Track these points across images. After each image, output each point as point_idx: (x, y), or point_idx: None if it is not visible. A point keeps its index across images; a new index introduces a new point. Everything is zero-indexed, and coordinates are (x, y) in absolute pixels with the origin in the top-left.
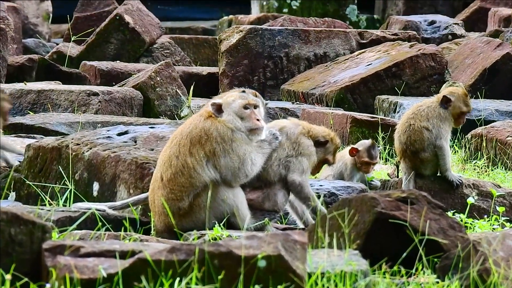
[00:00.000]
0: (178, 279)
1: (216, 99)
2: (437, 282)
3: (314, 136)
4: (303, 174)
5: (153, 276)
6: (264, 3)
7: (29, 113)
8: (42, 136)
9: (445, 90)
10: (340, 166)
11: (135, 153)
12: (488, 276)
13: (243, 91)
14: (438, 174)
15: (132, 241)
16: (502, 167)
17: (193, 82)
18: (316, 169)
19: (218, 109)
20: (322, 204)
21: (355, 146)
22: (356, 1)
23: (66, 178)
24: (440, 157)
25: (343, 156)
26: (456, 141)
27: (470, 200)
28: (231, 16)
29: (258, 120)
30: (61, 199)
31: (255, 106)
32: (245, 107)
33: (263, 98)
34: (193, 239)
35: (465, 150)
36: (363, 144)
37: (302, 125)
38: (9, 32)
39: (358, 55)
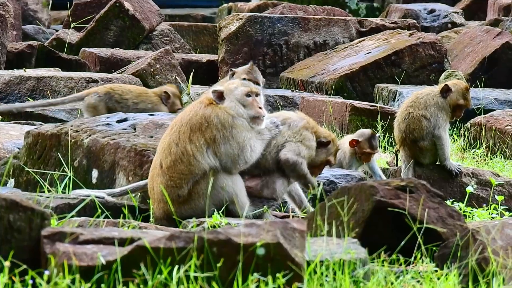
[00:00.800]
0: (176, 266)
1: (217, 86)
2: (436, 271)
3: (317, 135)
4: (299, 157)
5: (152, 263)
6: None
7: (28, 99)
8: (42, 123)
9: (449, 82)
10: (339, 155)
11: (134, 140)
12: (486, 265)
13: (244, 79)
14: (437, 163)
15: (131, 228)
16: (501, 156)
17: (193, 69)
18: (318, 170)
19: (219, 96)
20: (321, 193)
21: (355, 137)
22: None
23: (65, 165)
24: (438, 146)
25: (342, 145)
26: (455, 129)
27: (469, 189)
28: (230, 4)
29: (260, 108)
30: (60, 186)
31: (257, 94)
32: (248, 95)
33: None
34: (192, 227)
35: (464, 139)
36: (362, 134)
37: (307, 119)
38: (9, 18)
39: (357, 43)
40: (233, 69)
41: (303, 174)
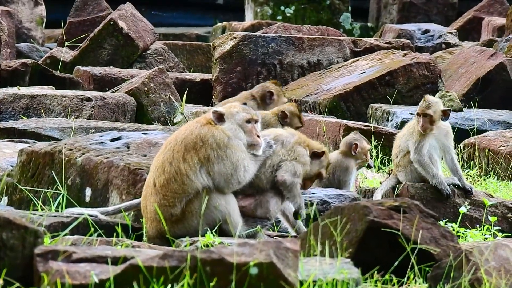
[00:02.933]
0: (170, 285)
1: (218, 108)
2: None
3: (310, 148)
4: (295, 177)
5: (145, 282)
6: (258, 10)
7: (22, 117)
8: (35, 141)
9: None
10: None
11: (128, 159)
12: (479, 286)
13: (245, 104)
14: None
15: (124, 247)
16: (495, 177)
17: (187, 88)
18: (310, 182)
19: (219, 117)
20: (314, 213)
21: (347, 146)
22: (350, 9)
23: (58, 183)
24: (419, 170)
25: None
26: None
27: (462, 210)
28: (225, 23)
29: (258, 136)
30: (53, 204)
31: (256, 121)
32: (248, 121)
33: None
34: (185, 246)
35: (457, 160)
36: (354, 138)
37: (299, 135)
38: (3, 36)
39: (351, 63)
40: (284, 111)
41: (296, 195)
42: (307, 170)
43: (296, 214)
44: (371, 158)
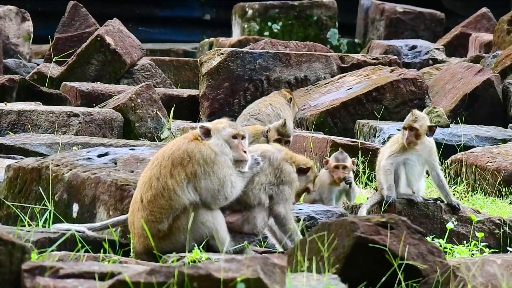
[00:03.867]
0: None
1: (205, 123)
2: None
3: (296, 163)
4: (287, 204)
5: None
6: (245, 25)
7: (9, 133)
8: (22, 157)
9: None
10: (320, 190)
11: (115, 175)
12: None
13: (232, 120)
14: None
15: (111, 262)
16: (482, 193)
17: (174, 104)
18: (298, 197)
19: (206, 133)
20: (302, 229)
21: (324, 160)
22: (337, 25)
23: (46, 199)
24: (378, 176)
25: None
26: None
27: (450, 226)
28: (212, 39)
29: (245, 152)
30: (40, 220)
31: (243, 137)
32: (234, 137)
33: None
34: (172, 262)
35: (444, 175)
36: (334, 154)
37: (285, 151)
38: None
39: (338, 79)
40: (268, 125)
41: (290, 229)
42: (297, 187)
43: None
44: (357, 174)
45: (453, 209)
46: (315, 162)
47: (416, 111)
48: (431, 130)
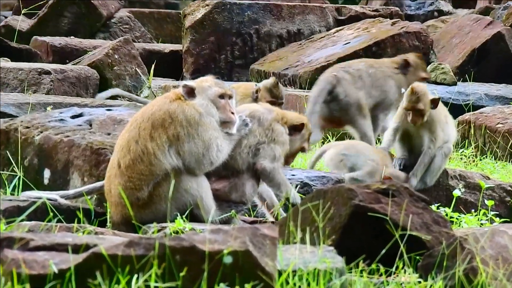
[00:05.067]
0: (136, 275)
1: (189, 82)
2: (419, 282)
3: (289, 122)
4: (275, 161)
5: (109, 272)
6: None
7: None
8: None
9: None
10: None
11: (90, 138)
12: (475, 276)
13: (217, 78)
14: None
15: (86, 234)
16: (492, 157)
17: (154, 60)
18: (292, 158)
19: (190, 92)
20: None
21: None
22: None
23: (14, 164)
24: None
25: None
26: None
27: (456, 193)
28: None
29: (232, 113)
30: (8, 187)
31: (230, 97)
32: (221, 96)
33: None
34: (153, 233)
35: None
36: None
37: (276, 111)
38: None
39: (335, 32)
40: (257, 84)
41: (279, 183)
42: (287, 150)
43: (289, 202)
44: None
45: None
46: (311, 134)
47: (416, 88)
48: (434, 103)
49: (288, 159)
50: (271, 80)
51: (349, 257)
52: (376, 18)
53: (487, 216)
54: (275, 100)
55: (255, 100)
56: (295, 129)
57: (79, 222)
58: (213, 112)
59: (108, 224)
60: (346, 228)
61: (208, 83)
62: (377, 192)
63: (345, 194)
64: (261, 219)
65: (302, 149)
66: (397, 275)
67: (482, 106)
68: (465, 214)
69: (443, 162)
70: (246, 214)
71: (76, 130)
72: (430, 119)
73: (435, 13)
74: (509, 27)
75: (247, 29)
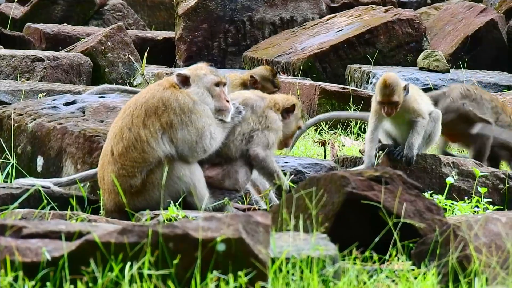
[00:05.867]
0: (129, 263)
1: (182, 70)
2: (413, 270)
3: (281, 107)
4: (268, 149)
5: (102, 259)
6: None
7: None
8: None
9: None
10: None
11: (83, 125)
12: (468, 264)
13: (211, 65)
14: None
15: (79, 221)
16: None
17: (147, 47)
18: (291, 139)
19: (184, 81)
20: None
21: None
22: None
23: (7, 151)
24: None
25: None
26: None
27: (450, 180)
28: None
29: (227, 101)
30: (2, 175)
31: (224, 84)
32: (217, 84)
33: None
34: (146, 220)
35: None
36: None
37: (268, 98)
38: None
39: (328, 20)
40: (253, 76)
41: (271, 171)
42: (280, 136)
43: (280, 190)
44: (349, 125)
45: (407, 163)
46: (303, 111)
47: (387, 79)
48: (406, 89)
49: (287, 140)
50: (266, 70)
51: (342, 244)
52: (369, 5)
53: (480, 204)
54: (276, 90)
55: (253, 87)
56: (288, 111)
57: (72, 209)
58: (208, 101)
59: (101, 211)
60: (339, 216)
61: (203, 71)
62: (370, 180)
63: (338, 182)
64: (254, 206)
65: (299, 128)
66: (390, 263)
67: None
68: (458, 202)
69: (436, 128)
70: (239, 202)
71: (69, 118)
72: (405, 102)
73: (428, 0)
74: (502, 14)
75: (240, 16)
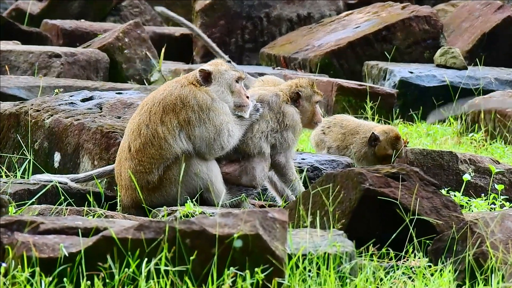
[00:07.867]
0: (146, 259)
1: (205, 66)
2: (429, 266)
3: (291, 95)
4: (289, 151)
5: (119, 255)
6: None
7: None
8: None
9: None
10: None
11: (100, 121)
12: (485, 260)
13: (229, 61)
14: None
15: (96, 217)
16: (502, 141)
17: (165, 44)
18: (315, 115)
19: (206, 77)
20: (304, 181)
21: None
22: None
23: (24, 147)
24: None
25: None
26: (451, 112)
27: (466, 177)
28: None
29: (247, 97)
30: (19, 170)
31: (243, 79)
32: (237, 80)
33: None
34: (163, 216)
35: (461, 122)
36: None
37: (281, 92)
38: None
39: (345, 16)
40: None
41: (290, 178)
42: (300, 128)
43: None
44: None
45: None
46: (312, 85)
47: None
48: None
49: (314, 119)
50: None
51: (359, 241)
52: (386, 2)
53: (497, 200)
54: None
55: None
56: (299, 94)
57: (89, 205)
58: (228, 99)
59: (118, 207)
60: (356, 212)
61: (224, 67)
62: (387, 176)
63: (355, 178)
64: (271, 203)
65: (318, 102)
66: (407, 259)
67: (492, 90)
68: (475, 199)
69: None
70: (256, 198)
71: (87, 114)
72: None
73: None
74: None
75: (257, 12)
